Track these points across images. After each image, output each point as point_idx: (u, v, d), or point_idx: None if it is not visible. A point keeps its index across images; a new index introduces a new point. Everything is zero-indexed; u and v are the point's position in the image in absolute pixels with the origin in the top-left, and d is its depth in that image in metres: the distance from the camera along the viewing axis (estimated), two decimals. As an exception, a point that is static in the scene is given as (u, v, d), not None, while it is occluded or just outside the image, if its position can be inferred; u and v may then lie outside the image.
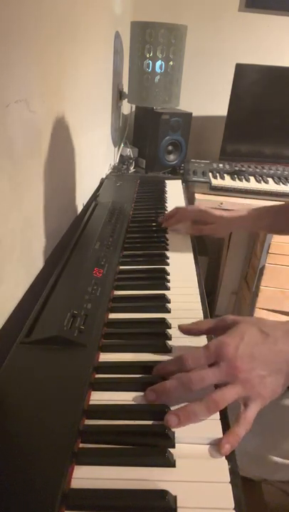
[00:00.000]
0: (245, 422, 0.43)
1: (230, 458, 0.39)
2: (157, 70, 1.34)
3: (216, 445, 0.40)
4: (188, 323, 0.54)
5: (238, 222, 0.87)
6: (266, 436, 0.64)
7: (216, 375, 0.44)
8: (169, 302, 0.64)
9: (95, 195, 1.12)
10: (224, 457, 0.39)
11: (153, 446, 0.40)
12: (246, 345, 0.45)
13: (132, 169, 1.60)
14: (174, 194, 1.20)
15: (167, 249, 0.82)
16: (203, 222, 0.88)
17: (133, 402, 0.45)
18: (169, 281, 0.70)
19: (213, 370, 0.44)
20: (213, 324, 0.52)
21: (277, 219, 0.85)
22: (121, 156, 1.64)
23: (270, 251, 1.50)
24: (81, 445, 0.40)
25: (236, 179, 1.46)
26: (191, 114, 1.56)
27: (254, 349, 0.45)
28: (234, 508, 0.35)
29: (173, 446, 0.40)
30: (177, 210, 0.91)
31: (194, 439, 0.41)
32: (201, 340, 0.55)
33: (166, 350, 0.53)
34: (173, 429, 0.41)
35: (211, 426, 0.42)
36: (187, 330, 0.53)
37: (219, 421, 0.43)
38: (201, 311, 0.62)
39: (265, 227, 0.89)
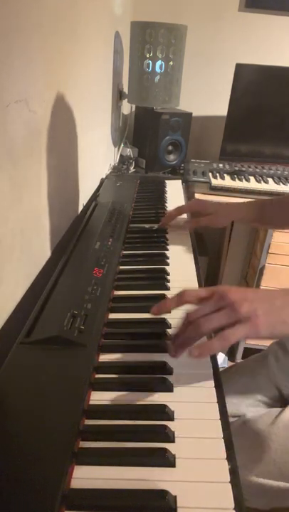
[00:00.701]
0: (222, 338, 0.44)
1: (231, 458, 0.39)
2: (157, 70, 1.34)
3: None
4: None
5: (237, 210, 0.86)
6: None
7: (210, 305, 0.47)
8: (169, 302, 0.64)
9: (95, 195, 1.12)
10: (224, 457, 0.39)
11: (153, 447, 0.40)
12: (239, 288, 0.48)
13: (132, 169, 1.60)
14: (174, 194, 1.20)
15: (167, 249, 0.82)
16: (203, 213, 0.87)
17: (133, 402, 0.45)
18: (169, 281, 0.70)
19: (208, 303, 0.47)
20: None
21: (279, 211, 0.84)
22: (121, 156, 1.64)
23: (270, 251, 1.50)
24: (81, 445, 0.40)
25: (236, 179, 1.46)
26: (191, 114, 1.56)
27: (247, 290, 0.49)
28: (234, 508, 0.35)
29: (173, 441, 0.40)
30: (176, 208, 0.91)
31: (193, 438, 0.41)
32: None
33: (166, 350, 0.53)
34: (173, 429, 0.41)
35: (211, 425, 0.43)
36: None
37: (219, 420, 0.43)
38: (201, 311, 0.62)
39: (264, 219, 0.88)
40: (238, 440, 0.59)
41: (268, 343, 0.92)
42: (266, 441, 0.60)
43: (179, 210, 0.90)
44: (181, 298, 0.50)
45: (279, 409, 0.65)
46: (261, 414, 0.66)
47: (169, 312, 0.53)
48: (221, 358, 1.79)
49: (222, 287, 0.48)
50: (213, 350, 0.46)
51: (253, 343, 1.71)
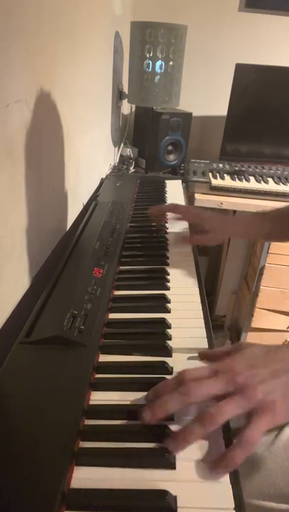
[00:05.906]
0: (244, 443, 0.38)
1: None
2: (157, 70, 1.34)
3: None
4: (189, 322, 0.53)
5: (233, 227, 0.85)
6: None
7: (215, 382, 0.41)
8: (169, 302, 0.64)
9: (95, 195, 1.12)
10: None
11: (153, 447, 0.40)
12: (246, 358, 0.44)
13: (132, 169, 1.60)
14: (174, 194, 1.20)
15: (167, 250, 0.82)
16: (199, 227, 0.85)
17: (133, 402, 0.45)
18: (169, 281, 0.70)
19: (213, 378, 0.42)
20: (228, 349, 0.49)
21: (275, 226, 0.83)
22: (121, 156, 1.64)
23: (270, 251, 1.50)
24: (81, 445, 0.40)
25: (236, 179, 1.46)
26: (191, 114, 1.56)
27: (254, 360, 0.43)
28: (234, 508, 0.34)
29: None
30: (176, 208, 0.88)
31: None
32: (203, 341, 0.55)
33: (166, 350, 0.53)
34: (172, 428, 0.41)
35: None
36: (206, 355, 0.51)
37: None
38: (201, 311, 0.62)
39: (261, 234, 0.87)
40: None
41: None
42: (266, 462, 0.58)
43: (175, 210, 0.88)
44: (180, 377, 0.43)
45: (277, 429, 0.62)
46: None
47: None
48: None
49: (225, 362, 0.44)
50: (237, 460, 0.37)
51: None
